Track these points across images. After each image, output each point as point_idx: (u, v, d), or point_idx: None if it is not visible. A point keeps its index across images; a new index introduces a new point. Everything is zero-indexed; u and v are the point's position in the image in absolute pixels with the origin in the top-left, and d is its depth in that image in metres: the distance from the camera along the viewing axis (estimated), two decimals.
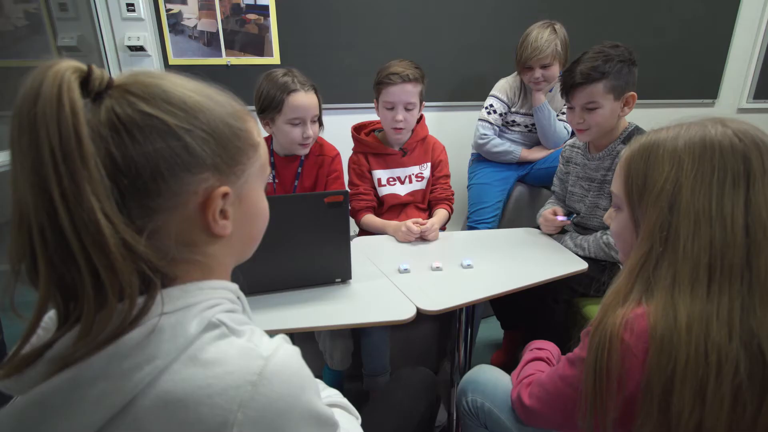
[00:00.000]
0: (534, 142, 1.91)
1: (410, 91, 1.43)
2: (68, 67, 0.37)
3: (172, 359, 0.39)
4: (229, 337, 0.43)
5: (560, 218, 1.35)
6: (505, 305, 1.54)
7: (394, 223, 1.46)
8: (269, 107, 1.32)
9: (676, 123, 0.59)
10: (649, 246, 0.56)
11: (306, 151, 1.41)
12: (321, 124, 1.41)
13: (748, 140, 0.53)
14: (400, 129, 1.47)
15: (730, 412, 0.49)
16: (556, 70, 1.67)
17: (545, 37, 1.62)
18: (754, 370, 0.49)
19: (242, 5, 1.92)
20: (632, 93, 1.21)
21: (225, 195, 0.45)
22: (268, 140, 1.45)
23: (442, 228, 1.65)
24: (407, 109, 1.45)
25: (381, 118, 1.51)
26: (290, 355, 0.44)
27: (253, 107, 1.39)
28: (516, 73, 1.80)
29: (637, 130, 1.27)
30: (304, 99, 1.31)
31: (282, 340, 0.45)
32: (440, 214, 1.55)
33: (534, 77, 1.68)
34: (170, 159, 0.41)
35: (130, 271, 0.38)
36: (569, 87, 1.23)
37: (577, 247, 1.31)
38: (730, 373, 0.48)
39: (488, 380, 0.88)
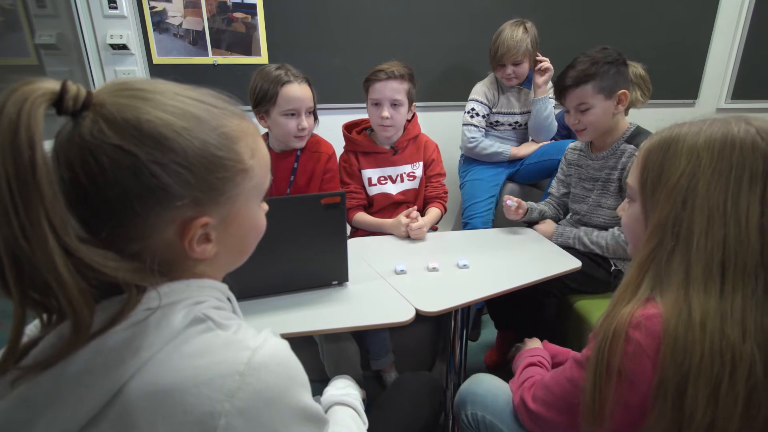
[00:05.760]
0: (521, 139, 1.93)
1: (395, 88, 1.43)
2: (35, 89, 0.35)
3: (156, 350, 0.39)
4: (215, 330, 0.42)
5: (509, 203, 1.40)
6: (499, 305, 1.54)
7: (389, 220, 1.47)
8: (263, 100, 1.31)
9: (701, 119, 0.58)
10: (659, 240, 0.56)
11: (302, 144, 1.40)
12: (316, 118, 1.39)
13: None
14: (387, 126, 1.48)
15: (743, 413, 0.48)
16: (526, 68, 1.77)
17: (518, 36, 1.71)
18: None
19: (229, 3, 1.89)
20: (623, 91, 1.25)
21: (205, 224, 0.43)
22: (264, 138, 1.43)
23: (434, 228, 1.65)
24: (393, 106, 1.45)
25: (370, 116, 1.52)
26: (278, 347, 0.43)
27: (247, 107, 1.36)
28: (489, 75, 1.87)
29: (639, 130, 1.31)
30: (298, 90, 1.31)
31: (269, 332, 0.44)
32: (432, 212, 1.55)
33: (506, 74, 1.77)
34: (141, 192, 0.39)
35: (87, 301, 0.37)
36: (561, 90, 1.30)
37: (594, 244, 1.31)
38: (744, 374, 0.48)
39: (487, 391, 0.85)
